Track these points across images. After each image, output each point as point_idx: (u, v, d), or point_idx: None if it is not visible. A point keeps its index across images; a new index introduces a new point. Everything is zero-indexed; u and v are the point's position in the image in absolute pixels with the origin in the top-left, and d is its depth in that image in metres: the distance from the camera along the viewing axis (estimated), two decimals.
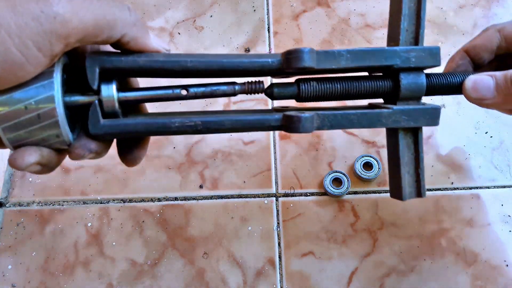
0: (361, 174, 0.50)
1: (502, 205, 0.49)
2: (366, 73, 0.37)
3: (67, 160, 0.31)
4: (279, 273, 0.47)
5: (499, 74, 0.35)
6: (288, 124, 0.31)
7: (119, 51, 0.30)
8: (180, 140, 0.53)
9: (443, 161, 0.51)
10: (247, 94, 0.33)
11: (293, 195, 0.50)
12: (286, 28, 0.59)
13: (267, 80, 0.36)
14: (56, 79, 0.27)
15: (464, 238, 0.48)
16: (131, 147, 0.34)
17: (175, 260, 0.47)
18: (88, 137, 0.30)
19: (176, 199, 0.50)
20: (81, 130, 0.30)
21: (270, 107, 0.53)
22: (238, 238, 0.48)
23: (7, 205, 0.51)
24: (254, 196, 0.50)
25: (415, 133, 0.37)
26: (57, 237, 0.49)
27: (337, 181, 0.50)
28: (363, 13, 0.60)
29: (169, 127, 0.30)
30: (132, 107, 0.35)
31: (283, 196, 0.50)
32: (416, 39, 0.35)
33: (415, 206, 0.49)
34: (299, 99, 0.34)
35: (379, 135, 0.53)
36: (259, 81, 0.33)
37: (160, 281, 0.47)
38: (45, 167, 0.29)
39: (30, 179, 0.52)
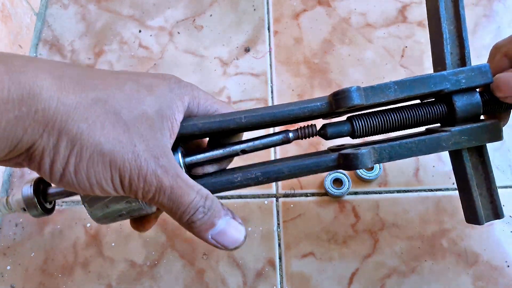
0: (362, 174, 0.49)
1: (503, 205, 0.49)
2: (417, 101, 0.37)
3: None
4: (279, 274, 0.47)
5: None
6: (346, 162, 0.32)
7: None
8: None
9: (444, 162, 0.51)
10: (301, 139, 0.34)
11: (293, 195, 0.50)
12: (286, 27, 0.59)
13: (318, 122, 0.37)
14: None
15: (465, 238, 0.48)
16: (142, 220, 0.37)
17: (175, 261, 0.47)
18: None
19: None
20: None
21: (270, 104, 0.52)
22: None
23: None
24: (254, 196, 0.50)
25: (480, 152, 0.36)
26: (56, 238, 0.49)
27: (337, 182, 0.50)
28: (363, 12, 0.59)
29: (232, 182, 0.33)
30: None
31: (283, 196, 0.50)
32: (463, 60, 0.35)
33: (416, 207, 0.49)
34: (354, 136, 0.34)
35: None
36: (311, 125, 0.34)
37: (159, 282, 0.46)
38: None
39: None
